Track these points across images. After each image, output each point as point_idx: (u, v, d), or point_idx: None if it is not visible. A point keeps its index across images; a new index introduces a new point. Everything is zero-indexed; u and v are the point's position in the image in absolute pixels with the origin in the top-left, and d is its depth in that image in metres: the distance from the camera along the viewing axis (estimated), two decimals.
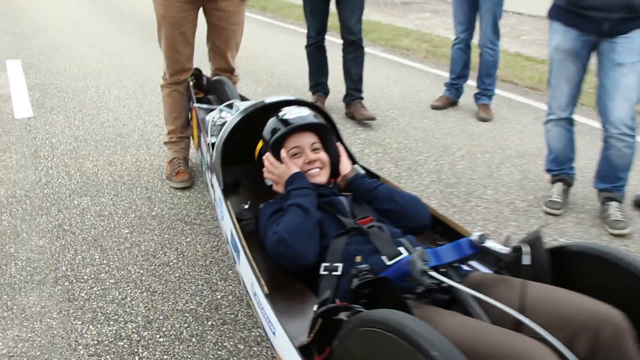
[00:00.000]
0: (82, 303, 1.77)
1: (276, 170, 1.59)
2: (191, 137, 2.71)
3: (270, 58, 5.48)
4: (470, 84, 4.00)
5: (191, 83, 2.65)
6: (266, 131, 1.66)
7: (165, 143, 2.77)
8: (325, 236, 1.43)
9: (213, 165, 1.85)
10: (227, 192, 1.74)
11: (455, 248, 1.21)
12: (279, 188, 1.61)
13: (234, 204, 1.72)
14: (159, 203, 2.47)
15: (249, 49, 5.55)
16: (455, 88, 3.99)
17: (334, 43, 3.60)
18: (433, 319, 1.03)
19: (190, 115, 2.61)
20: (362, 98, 3.62)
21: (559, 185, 2.54)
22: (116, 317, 1.71)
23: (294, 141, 1.61)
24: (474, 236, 1.20)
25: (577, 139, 2.86)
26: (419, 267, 1.10)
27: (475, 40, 3.78)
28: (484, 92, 3.83)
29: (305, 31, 3.62)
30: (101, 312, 1.73)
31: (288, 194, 1.50)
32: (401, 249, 1.34)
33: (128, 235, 2.19)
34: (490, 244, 1.20)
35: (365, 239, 1.39)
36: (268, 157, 1.61)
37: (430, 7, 10.31)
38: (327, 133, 1.68)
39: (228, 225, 1.61)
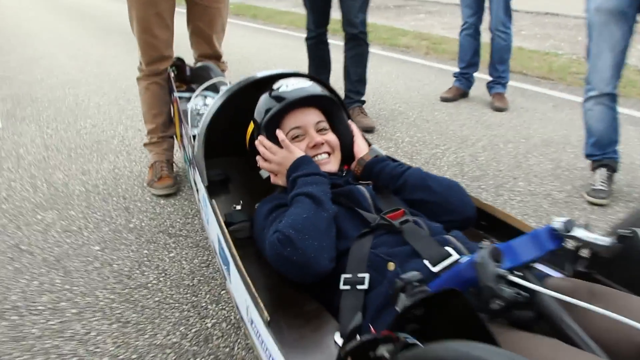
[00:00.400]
0: (31, 342, 1.38)
1: (275, 156, 1.23)
2: (175, 137, 2.36)
3: (264, 60, 5.15)
4: (479, 76, 3.68)
5: (172, 74, 2.30)
6: (258, 110, 1.31)
7: (145, 145, 2.41)
8: (344, 237, 1.07)
9: (195, 158, 1.49)
10: (213, 189, 1.38)
11: (533, 241, 0.84)
12: (279, 180, 1.25)
13: (224, 205, 1.36)
14: (138, 214, 2.10)
15: (240, 53, 5.24)
16: (465, 78, 3.65)
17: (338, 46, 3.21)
18: (526, 352, 0.67)
19: (172, 111, 2.26)
20: (362, 102, 3.12)
21: (602, 172, 2.18)
22: (75, 359, 1.33)
23: (293, 120, 1.26)
24: (558, 223, 0.84)
25: None
26: (492, 271, 0.74)
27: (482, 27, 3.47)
28: (498, 80, 3.49)
29: (300, 35, 3.25)
30: (56, 354, 1.34)
31: (293, 182, 1.14)
32: (448, 249, 0.98)
33: (99, 252, 1.82)
34: (581, 232, 0.85)
35: (397, 238, 1.03)
36: (262, 141, 1.25)
37: (425, 8, 10.07)
38: (335, 109, 1.33)
39: (215, 230, 1.24)
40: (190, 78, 2.32)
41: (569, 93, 3.78)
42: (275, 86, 1.30)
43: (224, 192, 1.42)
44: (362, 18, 2.91)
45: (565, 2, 8.28)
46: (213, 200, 1.25)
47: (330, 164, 1.27)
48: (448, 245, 0.99)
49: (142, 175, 2.44)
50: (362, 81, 3.10)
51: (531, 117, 3.28)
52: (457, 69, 3.67)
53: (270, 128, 1.26)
